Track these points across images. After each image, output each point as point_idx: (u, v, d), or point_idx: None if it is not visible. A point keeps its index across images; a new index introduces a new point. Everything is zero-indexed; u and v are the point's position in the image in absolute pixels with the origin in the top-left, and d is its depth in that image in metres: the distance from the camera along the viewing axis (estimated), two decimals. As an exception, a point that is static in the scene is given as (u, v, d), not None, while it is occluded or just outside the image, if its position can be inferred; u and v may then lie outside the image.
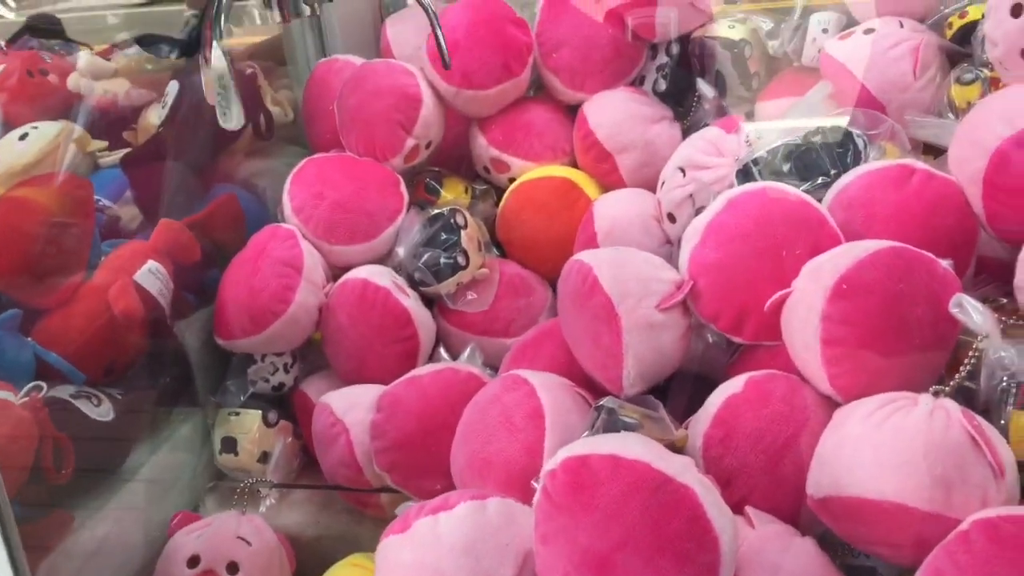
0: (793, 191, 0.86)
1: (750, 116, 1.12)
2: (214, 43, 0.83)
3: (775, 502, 0.75)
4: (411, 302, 1.07)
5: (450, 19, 1.15)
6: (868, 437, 0.69)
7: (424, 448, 0.93)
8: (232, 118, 0.83)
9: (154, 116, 1.23)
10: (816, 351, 0.76)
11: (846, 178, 0.88)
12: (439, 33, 1.03)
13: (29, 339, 0.96)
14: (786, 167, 0.93)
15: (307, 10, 0.99)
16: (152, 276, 1.03)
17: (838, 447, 0.71)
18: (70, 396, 0.94)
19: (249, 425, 1.08)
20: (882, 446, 0.68)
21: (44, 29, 1.45)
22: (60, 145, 1.15)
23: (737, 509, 0.73)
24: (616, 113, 1.13)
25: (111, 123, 1.23)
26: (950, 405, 0.69)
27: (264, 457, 1.08)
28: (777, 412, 0.77)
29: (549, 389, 0.86)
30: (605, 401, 0.80)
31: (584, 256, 0.90)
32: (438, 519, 0.70)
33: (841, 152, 0.91)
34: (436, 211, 1.12)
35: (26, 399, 0.87)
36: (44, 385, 0.90)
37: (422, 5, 1.02)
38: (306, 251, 1.08)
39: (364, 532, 1.04)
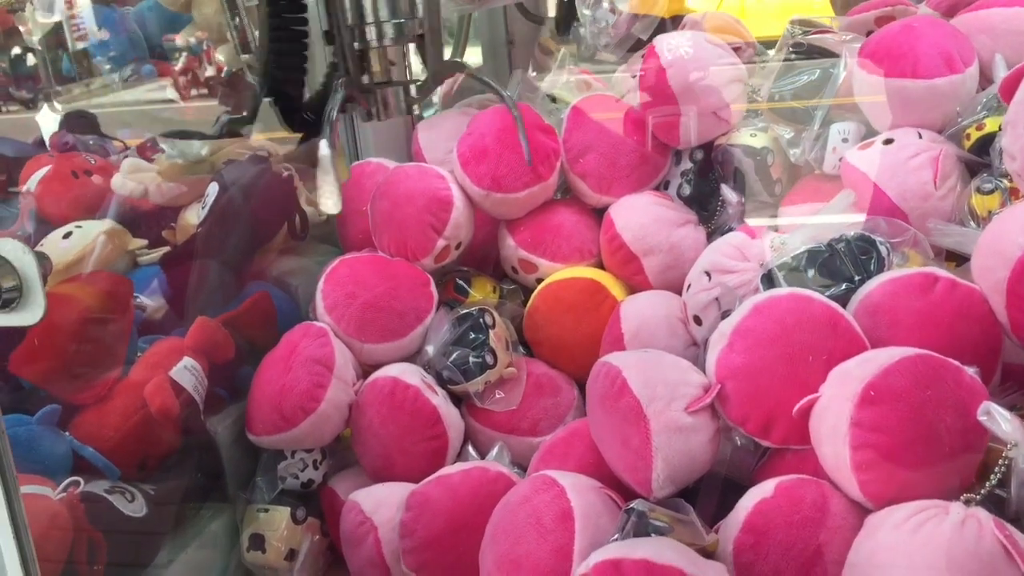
0: (818, 297, 0.88)
1: (774, 221, 1.14)
2: (323, 141, 0.88)
3: (808, 611, 0.75)
4: (440, 400, 1.09)
5: (480, 126, 1.20)
6: (901, 546, 0.70)
7: (453, 548, 0.94)
8: (332, 205, 0.87)
9: (193, 216, 1.27)
10: (846, 458, 0.77)
11: (870, 284, 0.90)
12: (522, 127, 1.05)
13: (67, 434, 0.98)
14: (810, 273, 0.94)
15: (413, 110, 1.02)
16: (188, 373, 1.05)
17: (871, 555, 0.71)
18: (105, 491, 0.95)
19: (277, 522, 1.09)
20: (915, 555, 0.68)
21: (80, 124, 1.52)
22: (102, 244, 1.19)
23: (770, 618, 0.73)
24: (642, 216, 1.16)
25: (151, 224, 1.27)
26: (982, 514, 0.70)
27: (291, 555, 1.08)
28: (808, 518, 0.77)
29: (579, 491, 0.86)
30: (635, 504, 0.81)
31: (612, 358, 0.91)
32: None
33: (865, 259, 0.93)
34: (465, 311, 1.14)
35: (63, 495, 0.89)
36: (81, 481, 0.91)
37: (506, 100, 1.04)
38: (338, 349, 1.10)
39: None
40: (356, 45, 0.87)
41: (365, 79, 0.89)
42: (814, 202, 1.11)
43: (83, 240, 1.18)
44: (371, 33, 0.85)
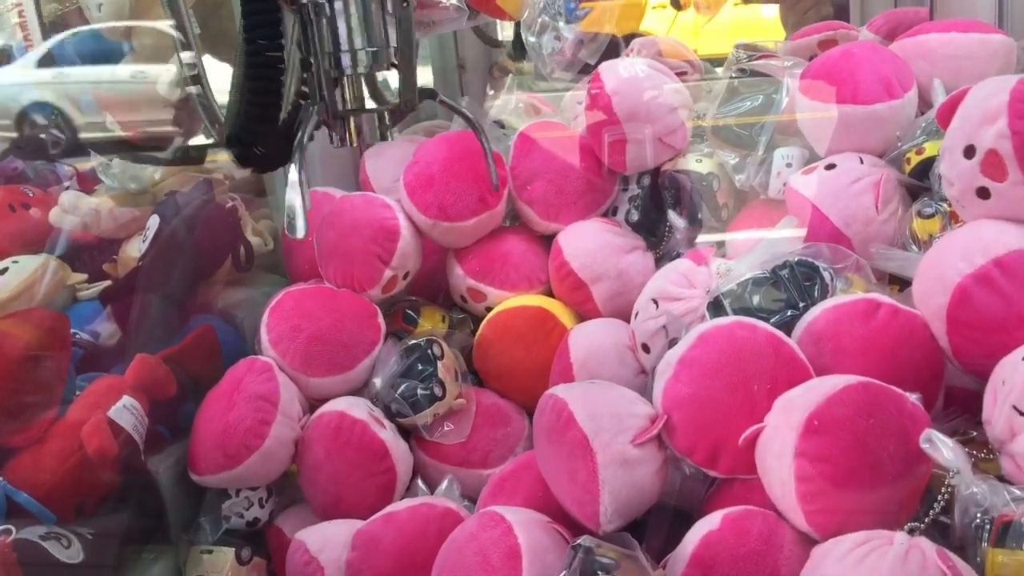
0: (763, 325, 0.88)
1: (721, 247, 1.14)
2: (292, 166, 0.88)
3: (756, 645, 0.74)
4: (388, 434, 1.07)
5: (426, 154, 1.19)
6: (845, 579, 0.69)
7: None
8: (299, 230, 0.87)
9: (134, 249, 1.25)
10: (791, 488, 0.76)
11: (814, 312, 0.90)
12: (488, 151, 1.06)
13: (0, 479, 0.95)
14: (755, 300, 0.94)
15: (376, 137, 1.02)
16: (127, 412, 1.03)
17: (816, 589, 0.71)
18: (39, 538, 0.93)
19: (222, 564, 1.06)
20: (859, 588, 0.67)
21: (28, 150, 1.49)
22: (39, 279, 1.16)
23: (718, 654, 0.72)
24: (590, 243, 1.15)
25: (91, 257, 1.25)
26: (925, 545, 0.70)
27: (236, 597, 1.06)
28: (755, 551, 0.76)
29: (526, 527, 0.85)
30: (582, 540, 0.80)
31: (559, 391, 0.90)
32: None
33: (808, 285, 0.93)
34: (413, 342, 1.13)
35: (-6, 543, 0.86)
36: (13, 528, 0.88)
37: (476, 128, 1.05)
38: (283, 384, 1.08)
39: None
40: (332, 73, 0.87)
41: (340, 106, 0.89)
42: (760, 227, 1.12)
43: (19, 275, 1.15)
44: (346, 60, 0.86)
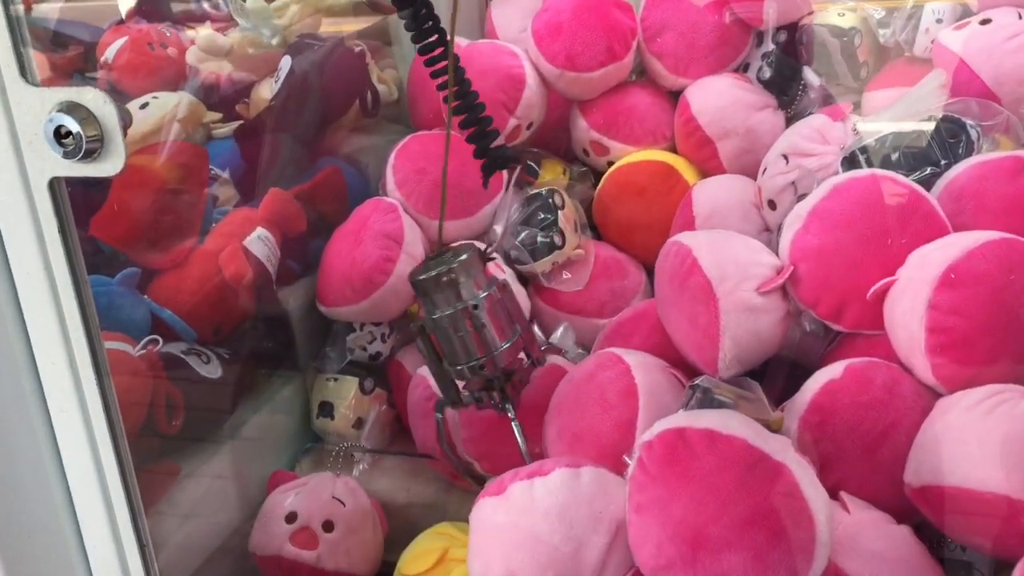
0: (902, 179, 0.85)
1: (857, 106, 1.10)
2: None
3: (871, 490, 0.75)
4: (507, 280, 1.09)
5: (556, 1, 1.17)
6: (972, 427, 0.68)
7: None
8: None
9: (266, 90, 1.27)
10: (920, 340, 0.75)
11: (957, 168, 0.87)
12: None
13: (145, 296, 1.01)
14: (894, 156, 0.91)
15: None
16: (260, 243, 1.07)
17: (940, 436, 0.70)
18: (182, 352, 0.99)
19: (346, 391, 1.12)
20: (987, 437, 0.67)
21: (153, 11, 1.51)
22: (178, 115, 1.20)
23: (832, 494, 0.73)
24: (719, 99, 1.12)
25: (225, 97, 1.28)
26: (1060, 399, 0.68)
27: (359, 423, 1.12)
28: (876, 399, 0.76)
29: (644, 368, 0.87)
30: (700, 380, 0.81)
31: (683, 237, 0.90)
32: (533, 484, 0.71)
33: (953, 143, 0.89)
34: (534, 191, 1.13)
35: (143, 352, 0.92)
36: (160, 339, 0.94)
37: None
38: (407, 224, 1.11)
39: (452, 501, 1.06)
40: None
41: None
42: (902, 86, 1.07)
43: (160, 111, 1.19)
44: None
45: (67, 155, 0.60)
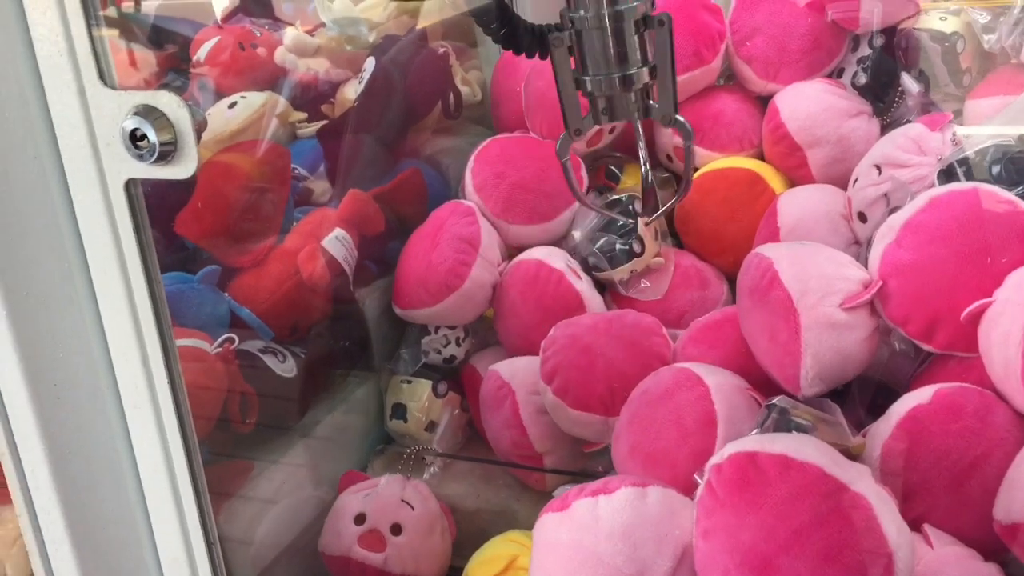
0: (1005, 194, 0.80)
1: (959, 115, 1.05)
2: None
3: (957, 524, 0.70)
4: (584, 286, 1.07)
5: (644, 3, 1.14)
6: (1071, 464, 0.64)
7: (587, 360, 0.95)
8: None
9: (351, 91, 1.28)
10: (1017, 367, 0.71)
11: (1065, 184, 0.81)
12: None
13: (226, 294, 1.03)
14: (995, 170, 0.86)
15: None
16: (338, 243, 1.08)
17: (1035, 471, 0.66)
18: (258, 351, 1.00)
19: (419, 394, 1.12)
20: (1087, 475, 0.62)
21: (256, 9, 1.54)
22: (265, 114, 1.22)
23: (915, 527, 0.69)
24: (810, 105, 1.08)
25: (311, 97, 1.29)
26: None
27: (431, 426, 1.11)
28: (967, 428, 0.72)
29: (724, 393, 0.83)
30: (777, 400, 0.78)
31: (765, 249, 0.87)
32: (597, 502, 0.70)
33: (1061, 156, 0.84)
34: (615, 196, 1.11)
35: (219, 350, 0.93)
36: (236, 338, 0.96)
37: None
38: (484, 229, 1.10)
39: (522, 509, 1.05)
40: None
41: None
42: (1008, 95, 1.01)
43: (247, 110, 1.21)
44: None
45: (142, 158, 0.61)
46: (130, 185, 0.63)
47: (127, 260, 0.66)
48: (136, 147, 0.61)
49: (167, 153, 0.61)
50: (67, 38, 0.60)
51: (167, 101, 0.60)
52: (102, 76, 0.60)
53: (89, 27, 0.59)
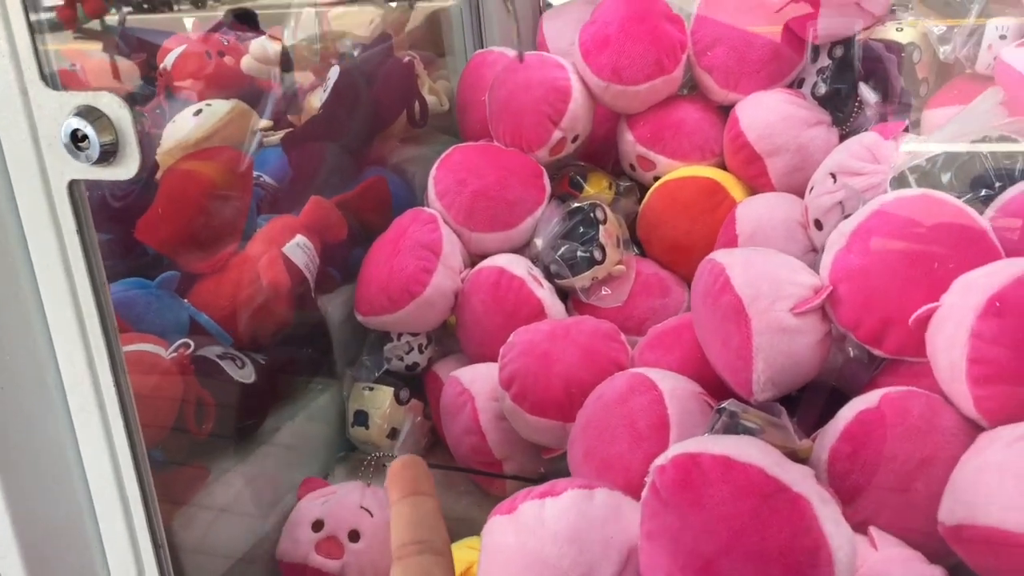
0: (953, 200, 0.81)
1: (916, 124, 1.06)
2: None
3: (903, 526, 0.71)
4: (545, 293, 1.07)
5: (604, 12, 1.15)
6: (1012, 464, 0.64)
7: (545, 366, 0.95)
8: None
9: (316, 99, 1.28)
10: (962, 370, 0.71)
11: (1012, 191, 0.82)
12: None
13: (185, 300, 1.02)
14: (946, 177, 0.87)
15: None
16: (300, 250, 1.08)
17: (978, 472, 0.66)
18: (216, 356, 0.99)
19: (381, 401, 1.11)
20: (1025, 476, 0.63)
21: (240, 23, 1.54)
22: (230, 122, 1.22)
23: (860, 529, 0.69)
24: (770, 115, 1.09)
25: (278, 104, 1.29)
26: (1109, 439, 0.63)
27: (393, 433, 1.11)
28: (913, 430, 0.72)
29: (677, 398, 0.83)
30: (728, 403, 0.78)
31: (718, 255, 0.87)
32: (544, 504, 0.69)
33: (1009, 165, 0.85)
34: (576, 204, 1.12)
35: (174, 355, 0.93)
36: (191, 343, 0.95)
37: None
38: (445, 236, 1.10)
39: (482, 516, 1.02)
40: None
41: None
42: (963, 104, 1.02)
43: (212, 117, 1.21)
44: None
45: (84, 159, 0.61)
46: (73, 186, 0.63)
47: (71, 262, 0.65)
48: (78, 148, 0.61)
49: (108, 154, 0.61)
50: (8, 39, 0.60)
51: (107, 102, 0.60)
52: (43, 76, 0.60)
53: (30, 27, 0.59)
